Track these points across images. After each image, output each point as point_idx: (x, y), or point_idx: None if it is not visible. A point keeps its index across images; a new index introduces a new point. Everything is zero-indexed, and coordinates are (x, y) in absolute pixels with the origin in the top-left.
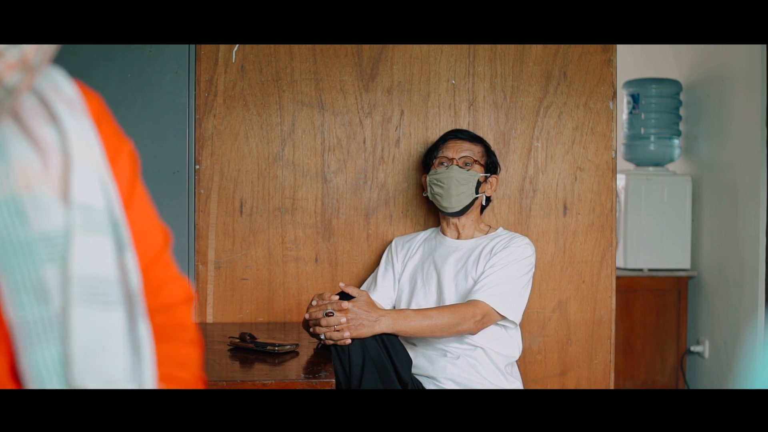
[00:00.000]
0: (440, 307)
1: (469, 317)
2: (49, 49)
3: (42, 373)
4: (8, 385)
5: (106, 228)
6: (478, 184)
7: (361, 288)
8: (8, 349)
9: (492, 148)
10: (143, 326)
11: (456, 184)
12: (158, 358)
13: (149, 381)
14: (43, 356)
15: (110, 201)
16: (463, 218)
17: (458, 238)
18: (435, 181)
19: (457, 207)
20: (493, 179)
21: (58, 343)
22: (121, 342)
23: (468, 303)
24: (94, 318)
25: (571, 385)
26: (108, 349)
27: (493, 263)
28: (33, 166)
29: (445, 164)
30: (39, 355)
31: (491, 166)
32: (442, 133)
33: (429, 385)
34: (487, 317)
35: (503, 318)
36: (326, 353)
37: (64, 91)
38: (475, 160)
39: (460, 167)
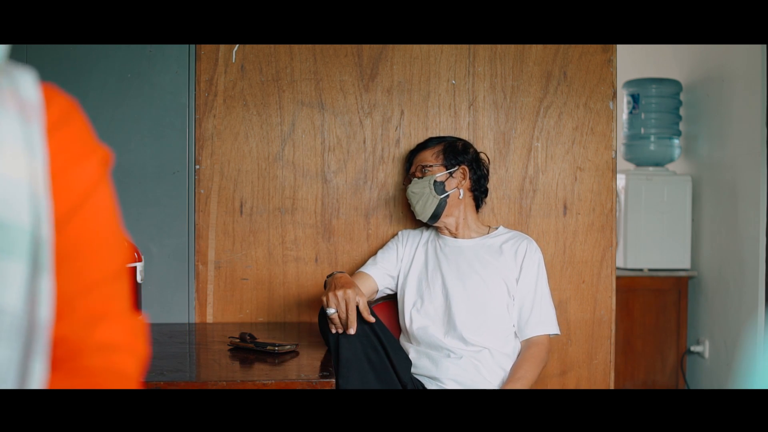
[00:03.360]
0: (520, 364)
1: (544, 356)
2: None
3: None
4: None
5: (19, 249)
6: (437, 184)
7: (361, 269)
8: None
9: (454, 144)
10: (39, 365)
11: (413, 196)
12: None
13: None
14: None
15: (38, 218)
16: (446, 220)
17: (456, 237)
18: (408, 199)
19: (427, 215)
20: (460, 172)
21: None
22: None
23: (532, 344)
24: None
25: (571, 385)
26: None
27: (523, 294)
28: None
29: (408, 181)
30: None
31: (452, 161)
32: (441, 133)
33: (431, 386)
34: (550, 342)
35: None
36: (328, 353)
37: (22, 95)
38: (430, 165)
39: (418, 178)
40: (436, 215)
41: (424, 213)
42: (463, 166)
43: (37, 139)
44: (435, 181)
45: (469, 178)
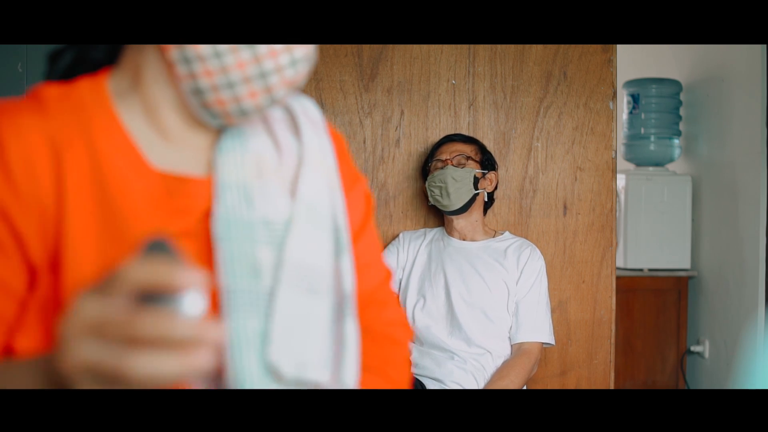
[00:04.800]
0: (507, 370)
1: (533, 363)
2: (305, 76)
3: (241, 341)
4: None
5: (327, 228)
6: (476, 180)
7: None
8: None
9: (487, 148)
10: (351, 325)
11: (452, 181)
12: (375, 377)
13: (351, 380)
14: (245, 326)
15: (335, 207)
16: (466, 218)
17: (464, 239)
18: (433, 183)
19: (458, 204)
20: (491, 175)
21: (262, 318)
22: (321, 331)
23: (524, 352)
24: (298, 302)
25: (571, 385)
26: (306, 333)
27: (520, 298)
28: (268, 160)
29: (441, 166)
30: (241, 324)
31: (487, 163)
32: (441, 133)
33: (432, 387)
34: (541, 350)
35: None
36: None
37: (310, 114)
38: (469, 157)
39: (455, 166)
40: (463, 208)
41: (455, 201)
42: (494, 172)
43: (327, 147)
44: (475, 176)
45: (494, 185)
